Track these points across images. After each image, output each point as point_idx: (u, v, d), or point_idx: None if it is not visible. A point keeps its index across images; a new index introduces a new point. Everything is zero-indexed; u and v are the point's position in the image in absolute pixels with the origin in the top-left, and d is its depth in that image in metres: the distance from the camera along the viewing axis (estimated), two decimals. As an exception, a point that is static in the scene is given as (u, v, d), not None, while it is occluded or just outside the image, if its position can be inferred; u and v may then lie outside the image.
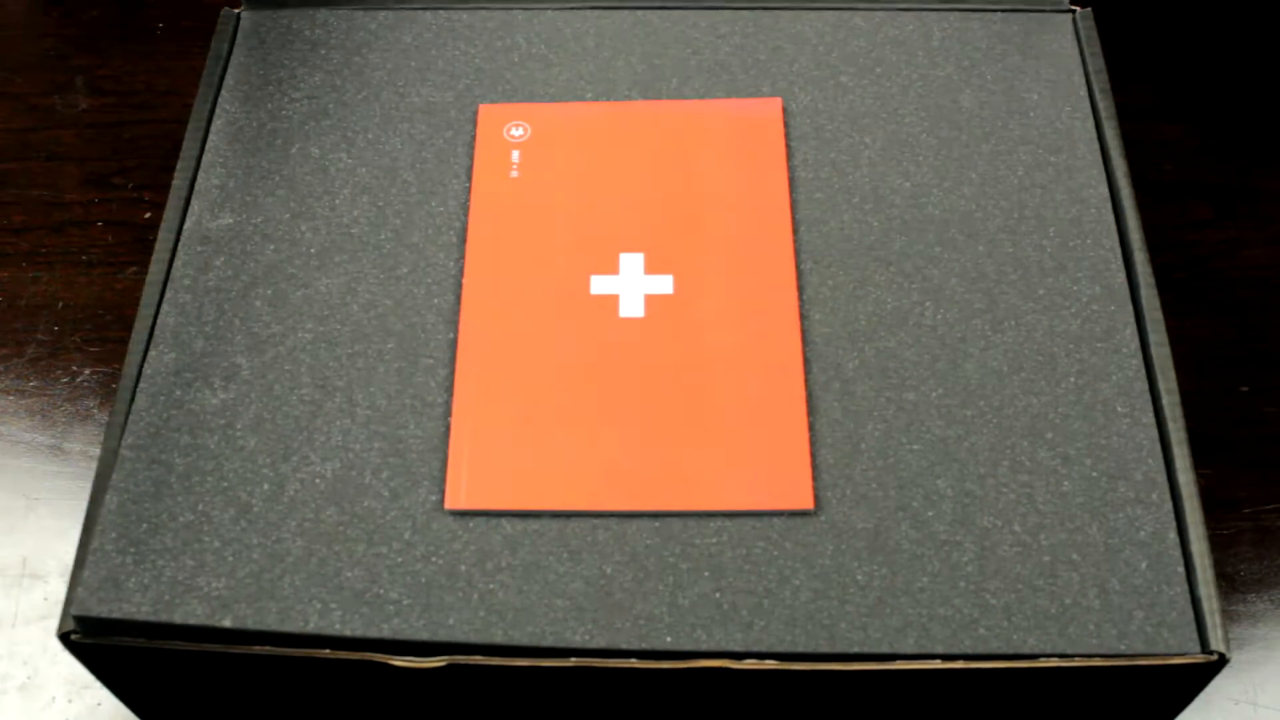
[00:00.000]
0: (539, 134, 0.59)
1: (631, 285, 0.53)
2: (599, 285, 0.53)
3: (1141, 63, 0.86)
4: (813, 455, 0.53)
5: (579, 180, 0.58)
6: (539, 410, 0.51)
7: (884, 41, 0.67)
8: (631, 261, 0.54)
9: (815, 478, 0.52)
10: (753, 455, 0.51)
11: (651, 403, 0.51)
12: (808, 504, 0.51)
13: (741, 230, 0.57)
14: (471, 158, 0.59)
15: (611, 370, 0.52)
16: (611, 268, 0.54)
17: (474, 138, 0.60)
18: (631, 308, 0.53)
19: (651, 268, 0.54)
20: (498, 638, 0.48)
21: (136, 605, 0.49)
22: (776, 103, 0.62)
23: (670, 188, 0.58)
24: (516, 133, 0.59)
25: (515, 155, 0.58)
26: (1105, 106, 0.64)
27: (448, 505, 0.49)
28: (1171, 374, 0.55)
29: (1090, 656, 0.48)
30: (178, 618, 0.49)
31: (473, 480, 0.50)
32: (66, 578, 0.65)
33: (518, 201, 0.57)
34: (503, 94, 0.64)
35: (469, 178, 0.59)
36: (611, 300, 0.53)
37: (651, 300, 0.53)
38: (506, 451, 0.50)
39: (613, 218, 0.56)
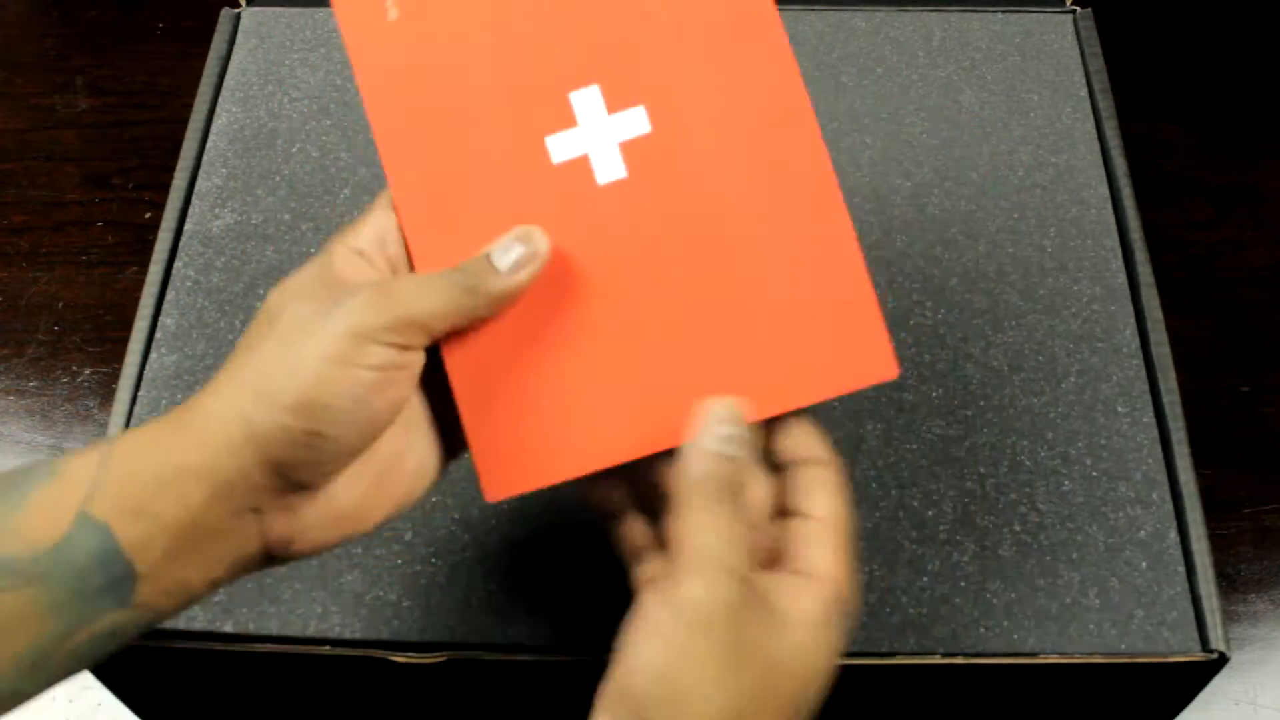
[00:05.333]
0: None
1: (598, 135, 0.40)
2: (559, 147, 0.40)
3: (1141, 63, 0.86)
4: None
5: None
6: (543, 354, 0.40)
7: (884, 41, 0.67)
8: (587, 101, 0.40)
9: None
10: (810, 328, 0.40)
11: (669, 295, 0.40)
12: (891, 373, 0.40)
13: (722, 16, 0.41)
14: None
15: (609, 265, 0.40)
16: (565, 118, 0.40)
17: None
18: (608, 167, 0.40)
19: (615, 102, 0.40)
20: (497, 638, 0.48)
21: (137, 606, 0.49)
22: None
23: None
24: None
25: None
26: (1105, 106, 0.64)
27: (488, 499, 0.41)
28: (1171, 374, 0.55)
29: (1091, 654, 0.48)
30: (180, 623, 0.49)
31: (504, 466, 0.41)
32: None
33: (411, 57, 0.41)
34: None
35: None
36: (580, 165, 0.40)
37: (630, 149, 0.40)
38: (528, 420, 0.40)
39: (546, 36, 0.41)
